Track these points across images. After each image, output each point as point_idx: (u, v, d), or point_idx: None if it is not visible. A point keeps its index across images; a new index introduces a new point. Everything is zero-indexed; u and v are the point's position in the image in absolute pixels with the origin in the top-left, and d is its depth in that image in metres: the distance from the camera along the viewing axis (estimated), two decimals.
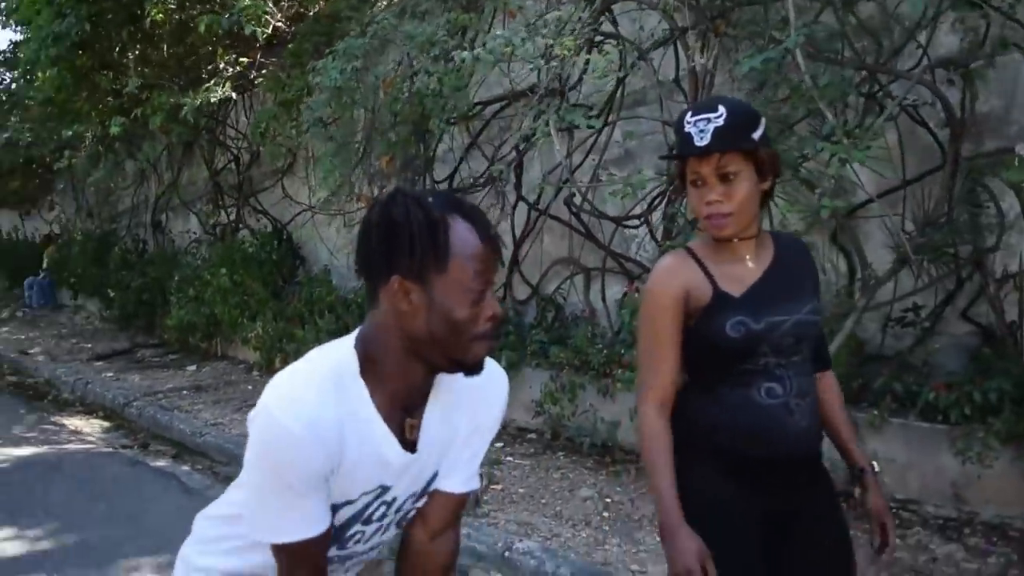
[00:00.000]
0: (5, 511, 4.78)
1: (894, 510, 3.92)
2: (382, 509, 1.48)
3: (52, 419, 7.27)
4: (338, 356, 1.38)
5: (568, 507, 4.36)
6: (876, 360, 4.46)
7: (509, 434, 5.67)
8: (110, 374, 8.76)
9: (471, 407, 1.52)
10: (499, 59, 4.40)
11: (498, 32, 4.66)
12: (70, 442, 6.44)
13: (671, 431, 1.85)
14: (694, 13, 4.53)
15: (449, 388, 1.47)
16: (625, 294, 5.59)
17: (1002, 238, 4.10)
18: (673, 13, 4.75)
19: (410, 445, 1.43)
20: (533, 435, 5.60)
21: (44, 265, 15.10)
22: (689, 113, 1.77)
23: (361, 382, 1.36)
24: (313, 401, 1.30)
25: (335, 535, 1.45)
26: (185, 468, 5.66)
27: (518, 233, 6.53)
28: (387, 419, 1.38)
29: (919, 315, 4.26)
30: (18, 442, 6.38)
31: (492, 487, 4.72)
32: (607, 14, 5.24)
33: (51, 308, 14.85)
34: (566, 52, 4.16)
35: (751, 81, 4.34)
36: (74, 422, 7.16)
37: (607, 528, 4.08)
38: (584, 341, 5.35)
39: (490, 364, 1.49)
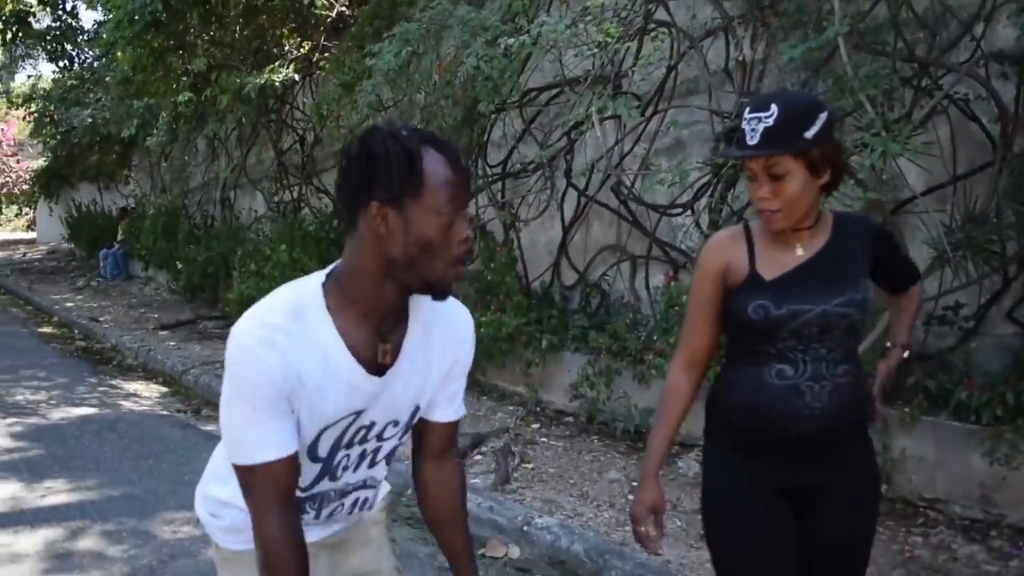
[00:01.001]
0: (60, 462, 5.06)
1: (921, 508, 3.89)
2: (362, 433, 1.56)
3: (114, 382, 7.62)
4: (303, 287, 1.49)
5: (595, 488, 4.42)
6: (917, 359, 4.39)
7: (547, 415, 5.75)
8: (172, 343, 9.10)
9: (441, 343, 1.60)
10: (544, 46, 4.44)
11: (544, 18, 4.69)
12: (128, 404, 6.73)
13: (692, 391, 1.97)
14: (744, 2, 4.52)
15: (421, 321, 1.56)
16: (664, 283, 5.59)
17: None
18: (723, 2, 4.75)
19: (380, 370, 1.51)
20: (570, 418, 5.65)
21: (119, 237, 15.68)
22: (748, 109, 1.82)
23: (325, 311, 1.45)
24: (272, 324, 1.42)
25: (325, 465, 1.55)
26: None
27: (567, 219, 6.58)
28: (355, 344, 1.47)
29: (957, 314, 4.18)
30: (79, 402, 6.71)
31: (523, 465, 4.80)
32: (659, 3, 5.23)
33: (123, 279, 15.42)
34: (608, 39, 4.17)
35: (797, 72, 4.32)
36: (134, 386, 7.48)
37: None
38: (622, 327, 5.38)
39: (454, 302, 1.61)
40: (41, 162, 21.40)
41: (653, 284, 5.86)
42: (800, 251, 1.88)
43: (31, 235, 27.61)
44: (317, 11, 7.15)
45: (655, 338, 5.04)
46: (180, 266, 11.76)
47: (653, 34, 5.20)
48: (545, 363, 5.84)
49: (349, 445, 1.56)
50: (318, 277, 1.50)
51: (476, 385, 6.33)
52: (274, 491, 1.44)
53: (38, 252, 22.10)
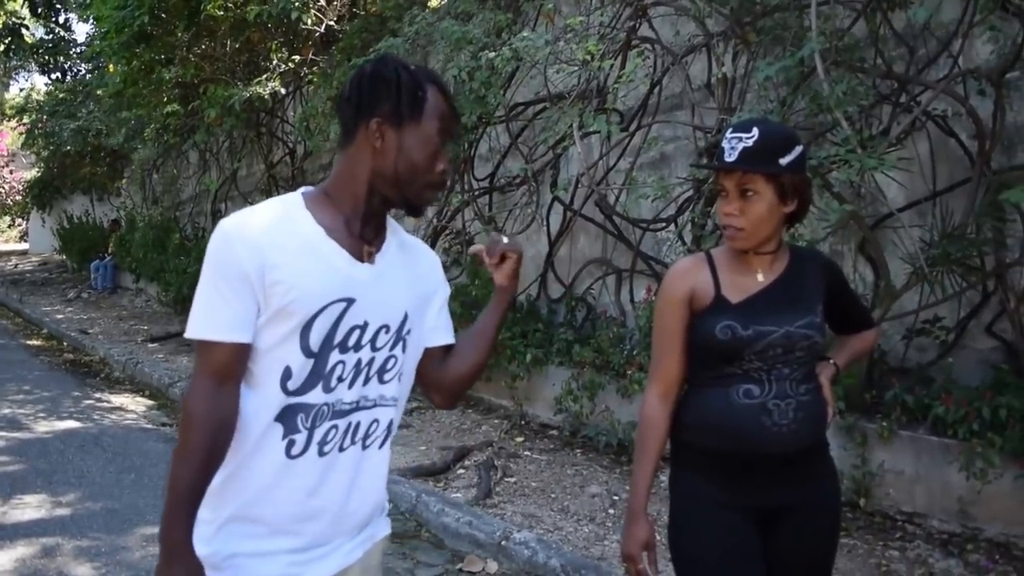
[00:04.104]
0: (43, 476, 5.05)
1: (899, 522, 3.90)
2: (356, 335, 1.57)
3: (101, 395, 7.60)
4: (284, 196, 1.62)
5: (576, 503, 4.42)
6: (897, 372, 4.42)
7: (531, 429, 5.75)
8: (160, 355, 9.09)
9: (415, 262, 1.73)
10: (528, 62, 4.47)
11: (525, 34, 4.72)
12: (113, 417, 6.72)
13: (669, 421, 1.98)
14: (725, 19, 4.55)
15: (397, 238, 1.70)
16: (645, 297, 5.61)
17: None
18: (705, 19, 4.78)
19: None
20: (554, 432, 5.66)
21: (110, 249, 15.67)
22: (730, 129, 1.88)
23: (305, 210, 1.57)
24: (249, 212, 1.55)
25: (317, 366, 1.54)
26: None
27: (553, 233, 6.60)
28: (339, 238, 1.57)
29: (934, 327, 4.20)
30: (65, 415, 6.70)
31: (506, 479, 4.80)
32: (642, 19, 5.27)
33: (112, 291, 15.40)
34: (587, 57, 4.20)
35: (777, 88, 4.35)
36: (121, 399, 7.46)
37: (610, 525, 4.13)
38: (606, 341, 5.40)
39: (418, 240, 1.79)
40: (34, 173, 21.40)
41: (637, 298, 5.88)
42: (761, 276, 1.94)
43: (23, 246, 27.57)
44: (306, 26, 7.16)
45: (637, 353, 5.06)
46: (170, 278, 11.75)
47: (637, 50, 5.23)
48: (530, 376, 5.85)
49: (343, 348, 1.56)
50: (298, 191, 1.63)
51: (461, 398, 6.32)
52: (212, 368, 1.50)
53: (30, 263, 22.05)
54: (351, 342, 1.57)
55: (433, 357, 1.77)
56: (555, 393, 5.60)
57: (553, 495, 4.55)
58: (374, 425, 1.64)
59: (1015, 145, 4.18)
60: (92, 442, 5.87)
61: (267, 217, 1.53)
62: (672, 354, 1.98)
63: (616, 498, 4.45)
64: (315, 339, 1.53)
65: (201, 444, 1.46)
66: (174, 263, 11.75)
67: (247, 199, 11.57)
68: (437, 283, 1.78)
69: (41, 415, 6.67)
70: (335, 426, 1.58)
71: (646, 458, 1.97)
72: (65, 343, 10.67)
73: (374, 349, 1.61)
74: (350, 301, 1.55)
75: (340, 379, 1.57)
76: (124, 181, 16.81)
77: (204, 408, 1.48)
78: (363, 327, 1.58)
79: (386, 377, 1.65)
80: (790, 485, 1.93)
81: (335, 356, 1.56)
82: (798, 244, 2.21)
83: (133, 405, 7.25)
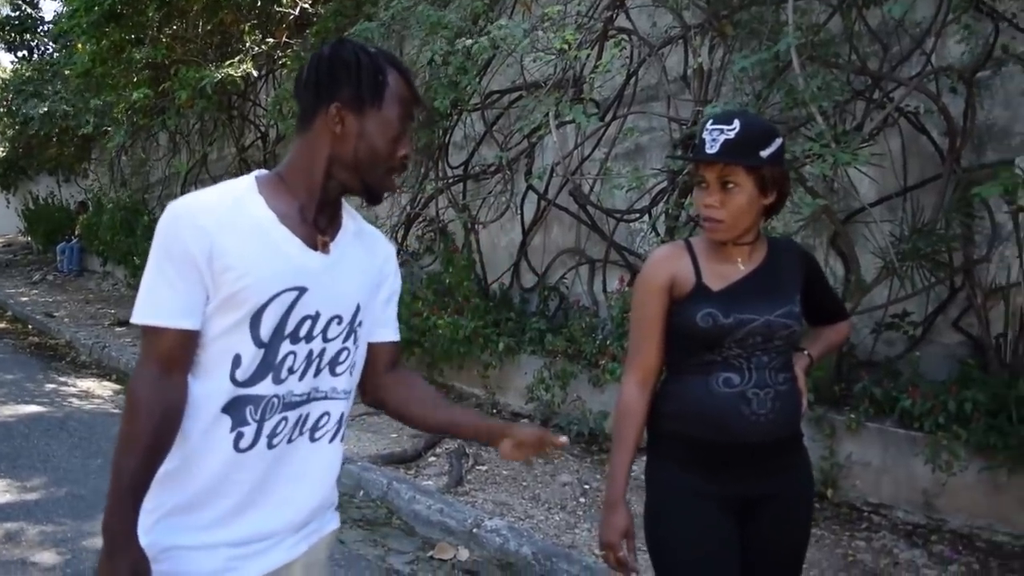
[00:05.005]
0: (7, 460, 4.98)
1: (866, 513, 3.95)
2: (307, 325, 1.53)
3: (66, 379, 7.50)
4: (236, 180, 1.57)
5: (547, 491, 4.43)
6: (865, 365, 4.47)
7: (503, 417, 5.75)
8: (128, 339, 8.97)
9: (370, 251, 1.69)
10: (505, 50, 4.45)
11: (503, 23, 4.70)
12: (79, 402, 6.63)
13: (647, 410, 1.98)
14: (702, 12, 4.56)
15: (353, 227, 1.66)
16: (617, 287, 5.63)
17: (993, 250, 4.09)
18: (682, 11, 4.79)
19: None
20: (526, 420, 5.66)
21: (77, 231, 15.44)
22: (711, 121, 1.88)
23: (258, 195, 1.52)
24: (199, 195, 1.50)
25: (267, 357, 1.49)
26: None
27: (527, 222, 6.60)
28: (292, 225, 1.53)
29: (903, 321, 4.26)
30: (29, 399, 6.60)
31: (477, 467, 4.81)
32: (620, 9, 5.26)
33: (79, 274, 15.18)
34: (564, 46, 4.19)
35: (752, 82, 4.37)
36: (87, 383, 7.36)
37: (580, 513, 4.15)
38: (579, 331, 5.41)
39: (376, 229, 1.75)
40: None
41: (610, 288, 5.90)
42: (741, 266, 1.95)
43: None
44: (281, 8, 7.07)
45: (609, 343, 5.08)
46: (139, 261, 11.60)
47: (614, 40, 5.23)
48: (502, 365, 5.85)
49: (294, 339, 1.52)
50: (250, 175, 1.58)
51: (433, 385, 6.31)
52: (157, 355, 1.45)
53: None
54: (302, 332, 1.53)
55: (375, 353, 1.73)
56: (527, 382, 5.61)
57: (524, 483, 4.56)
58: (324, 418, 1.61)
59: (985, 143, 4.24)
60: (58, 426, 5.80)
61: (218, 200, 1.49)
62: (651, 342, 1.98)
63: (587, 487, 4.47)
64: (265, 328, 1.49)
65: (146, 434, 1.41)
66: (143, 246, 11.58)
67: (217, 182, 11.41)
68: (389, 274, 1.74)
69: (5, 399, 6.57)
70: (285, 418, 1.54)
71: (624, 446, 1.97)
72: (30, 326, 10.51)
73: (325, 340, 1.57)
74: (302, 290, 1.51)
75: (291, 370, 1.53)
76: (92, 163, 16.53)
77: (149, 397, 1.43)
78: (315, 317, 1.54)
79: (338, 370, 1.62)
80: (767, 474, 1.94)
81: (286, 346, 1.52)
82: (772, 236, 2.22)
83: (100, 389, 7.16)
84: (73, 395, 6.86)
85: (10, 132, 17.50)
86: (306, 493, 1.61)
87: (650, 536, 2.01)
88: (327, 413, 1.61)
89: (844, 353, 4.43)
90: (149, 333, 1.45)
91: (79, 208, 16.20)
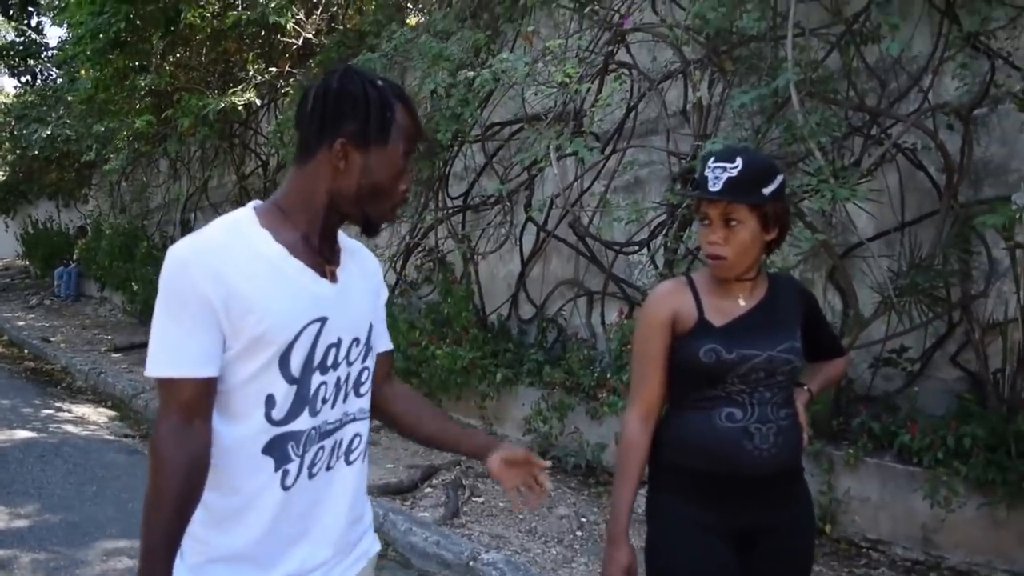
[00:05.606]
0: (0, 487, 4.93)
1: (864, 549, 3.93)
2: (332, 353, 1.54)
3: (62, 405, 7.47)
4: (235, 214, 1.54)
5: (544, 524, 4.41)
6: (864, 400, 4.47)
7: None
8: (124, 366, 8.95)
9: (363, 269, 1.69)
10: (506, 83, 4.49)
11: (505, 56, 4.75)
12: (74, 428, 6.60)
13: (650, 444, 2.00)
14: (701, 47, 4.61)
15: (347, 246, 1.66)
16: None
17: (991, 285, 4.11)
18: (682, 46, 4.84)
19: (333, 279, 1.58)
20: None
21: (75, 256, 15.44)
22: (712, 158, 1.90)
23: (260, 228, 1.50)
24: (204, 236, 1.46)
25: (300, 391, 1.49)
26: None
27: (526, 253, 6.62)
28: (301, 256, 1.52)
29: (901, 357, 4.26)
30: (24, 424, 6.57)
31: (474, 499, 4.78)
32: (620, 44, 5.32)
33: (76, 299, 15.16)
34: (565, 80, 4.23)
35: (751, 117, 4.41)
36: (82, 409, 7.33)
37: (577, 547, 4.12)
38: (577, 363, 5.41)
39: (359, 244, 1.74)
40: None
41: (608, 321, 5.90)
42: (742, 301, 1.97)
43: None
44: (284, 38, 7.14)
45: (608, 375, 5.07)
46: (136, 287, 11.60)
47: (615, 74, 5.28)
48: (500, 396, 5.84)
49: (323, 369, 1.53)
50: (247, 206, 1.56)
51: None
52: (178, 406, 1.42)
53: None
54: (329, 361, 1.54)
55: (378, 363, 1.74)
56: (524, 413, 5.59)
57: (521, 516, 4.53)
58: (356, 439, 1.63)
59: (982, 179, 4.27)
60: (52, 452, 5.77)
61: (224, 239, 1.45)
62: (653, 377, 1.99)
63: (584, 520, 4.45)
64: (295, 364, 1.48)
65: (174, 489, 1.39)
66: (141, 272, 11.59)
67: (217, 209, 11.47)
68: (381, 286, 1.77)
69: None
70: (322, 447, 1.55)
71: (627, 481, 1.97)
72: (26, 351, 10.48)
73: (349, 364, 1.59)
74: (323, 320, 1.51)
75: (324, 400, 1.53)
76: (92, 188, 16.58)
77: (174, 450, 1.40)
78: (337, 344, 1.55)
79: (362, 390, 1.64)
80: (768, 508, 1.95)
81: (317, 378, 1.52)
82: (770, 271, 2.24)
83: (95, 415, 7.13)
84: (68, 421, 6.83)
85: (11, 157, 17.55)
86: (353, 515, 1.64)
87: (651, 568, 2.01)
88: (358, 434, 1.64)
89: (842, 388, 4.43)
90: (167, 384, 1.42)
91: (78, 233, 16.22)
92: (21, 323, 12.45)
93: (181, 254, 1.42)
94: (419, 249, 7.28)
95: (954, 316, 4.28)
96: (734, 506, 1.93)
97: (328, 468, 1.57)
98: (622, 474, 1.99)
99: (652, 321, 1.99)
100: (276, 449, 1.48)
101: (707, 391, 1.92)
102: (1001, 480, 3.51)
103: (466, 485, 4.94)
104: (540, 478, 1.72)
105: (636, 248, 5.58)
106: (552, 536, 4.25)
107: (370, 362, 1.65)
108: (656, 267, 5.34)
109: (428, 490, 4.94)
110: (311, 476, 1.53)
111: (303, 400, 1.50)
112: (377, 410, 1.77)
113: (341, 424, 1.59)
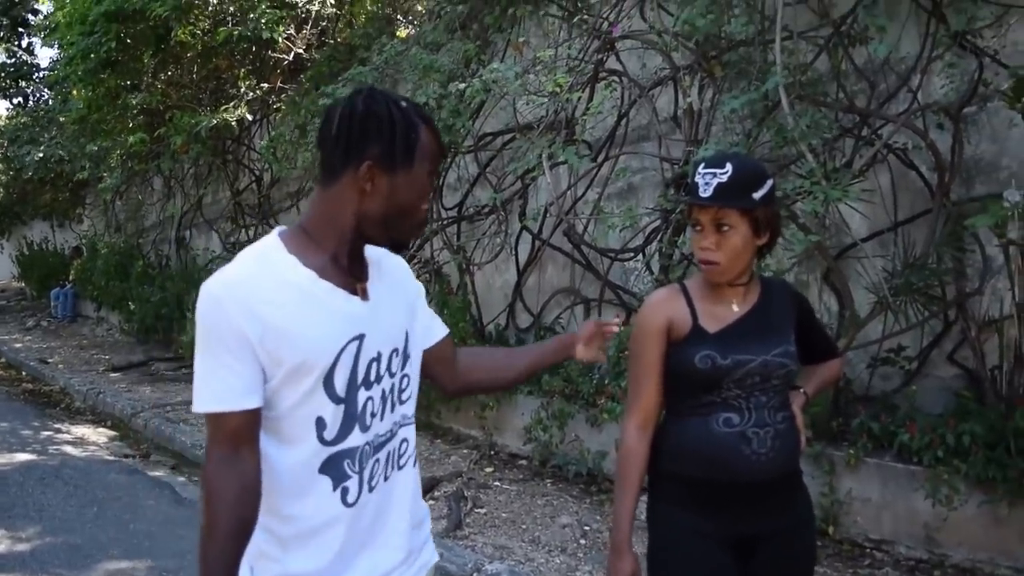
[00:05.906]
0: (1, 510, 4.92)
1: (868, 550, 3.93)
2: (375, 368, 1.56)
3: (61, 426, 7.45)
4: (262, 243, 1.55)
5: (547, 533, 4.40)
6: (862, 400, 4.48)
7: (501, 459, 5.73)
8: (123, 385, 8.94)
9: (392, 276, 1.70)
10: (497, 93, 4.51)
11: (495, 66, 4.77)
12: (74, 449, 6.58)
13: (648, 452, 2.00)
14: (691, 53, 4.63)
15: (374, 259, 1.66)
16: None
17: (986, 282, 4.12)
18: (672, 52, 4.86)
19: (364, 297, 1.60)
20: (523, 461, 5.64)
21: (71, 276, 15.42)
22: (703, 164, 1.91)
23: (288, 255, 1.51)
24: (234, 270, 1.48)
25: (348, 409, 1.52)
26: (181, 479, 5.77)
27: (522, 262, 6.63)
28: (330, 278, 1.52)
29: (899, 355, 4.27)
30: (24, 446, 6.55)
31: (476, 510, 4.77)
32: (610, 52, 5.34)
33: (72, 319, 15.14)
34: (556, 89, 4.25)
35: (742, 121, 4.43)
36: (82, 430, 7.32)
37: (581, 555, 4.11)
38: (575, 370, 5.41)
39: (383, 250, 1.73)
40: None
41: None
42: (735, 307, 1.97)
43: None
44: (275, 54, 7.17)
45: (607, 382, 5.07)
46: (133, 307, 11.57)
47: (605, 82, 5.30)
48: (499, 406, 5.84)
49: (368, 384, 1.55)
50: (272, 234, 1.56)
51: (430, 428, 6.30)
52: (225, 437, 1.45)
53: None
54: (372, 376, 1.56)
55: (435, 353, 1.78)
56: (524, 422, 5.59)
57: (524, 526, 4.53)
58: (404, 444, 1.66)
59: (973, 177, 4.28)
60: (52, 474, 5.75)
61: (254, 272, 1.47)
62: (650, 385, 1.99)
63: (587, 528, 4.45)
64: (340, 384, 1.50)
65: (225, 519, 1.42)
66: (137, 291, 11.57)
67: (212, 226, 11.49)
68: (412, 287, 1.77)
69: None
70: (377, 460, 1.58)
71: (627, 490, 1.98)
72: (24, 372, 10.47)
73: (391, 375, 1.61)
74: (361, 337, 1.53)
75: (373, 415, 1.57)
76: (87, 208, 16.58)
77: (224, 482, 1.43)
78: (378, 358, 1.57)
79: (404, 396, 1.66)
80: (767, 513, 1.95)
81: (363, 394, 1.54)
82: (764, 274, 2.25)
83: (95, 436, 7.12)
84: (68, 442, 6.81)
85: (4, 178, 17.55)
86: (407, 518, 1.66)
87: (652, 574, 2.01)
88: (405, 440, 1.67)
89: (841, 388, 4.43)
90: (215, 418, 1.45)
91: (73, 253, 16.21)
92: (18, 345, 12.43)
93: (213, 291, 1.45)
94: (415, 261, 7.29)
95: (950, 314, 4.29)
96: (733, 512, 1.93)
97: (386, 478, 1.60)
98: (622, 483, 2.00)
99: (647, 330, 1.99)
100: (333, 468, 1.51)
101: (703, 397, 1.92)
102: (1001, 477, 3.52)
103: (468, 496, 4.93)
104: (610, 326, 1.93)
105: (631, 254, 5.59)
106: (555, 545, 4.24)
107: (410, 368, 1.67)
108: (652, 273, 5.35)
109: (431, 502, 4.93)
110: (371, 489, 1.57)
111: (352, 418, 1.53)
112: (460, 388, 1.88)
113: (392, 434, 1.62)
